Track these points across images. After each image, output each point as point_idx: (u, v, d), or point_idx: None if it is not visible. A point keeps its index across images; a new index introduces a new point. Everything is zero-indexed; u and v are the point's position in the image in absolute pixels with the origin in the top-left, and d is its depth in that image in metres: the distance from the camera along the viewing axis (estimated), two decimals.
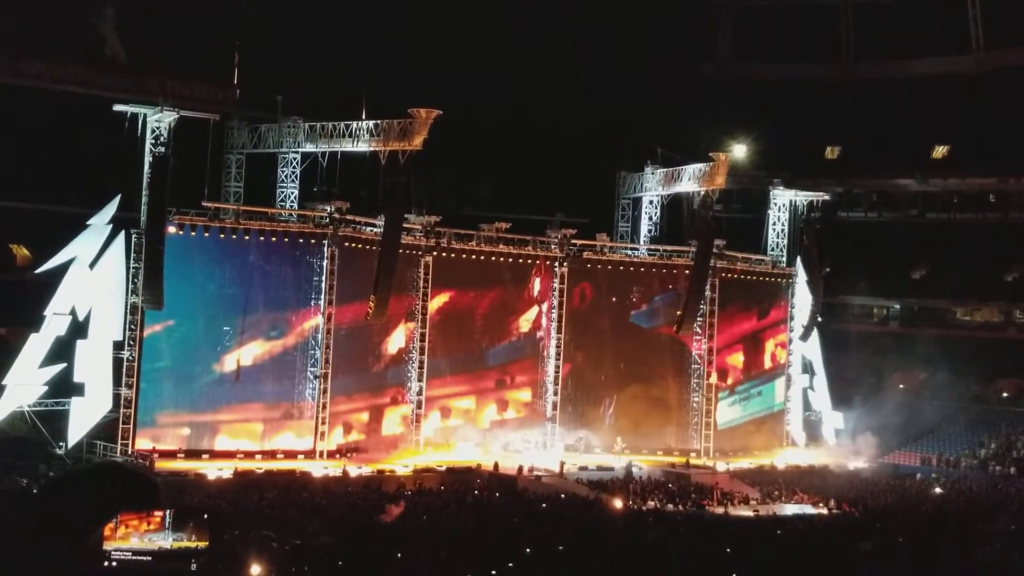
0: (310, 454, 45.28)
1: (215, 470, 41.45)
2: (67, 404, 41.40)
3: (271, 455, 44.61)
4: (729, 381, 56.51)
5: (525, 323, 53.20)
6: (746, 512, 40.97)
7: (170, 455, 42.90)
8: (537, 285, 53.04)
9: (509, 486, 43.44)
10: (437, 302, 50.33)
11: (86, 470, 4.07)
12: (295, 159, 48.70)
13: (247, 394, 45.17)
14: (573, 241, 53.36)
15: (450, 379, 51.09)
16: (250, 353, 45.26)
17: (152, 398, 43.01)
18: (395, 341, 49.13)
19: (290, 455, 45.01)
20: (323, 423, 45.47)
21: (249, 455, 44.14)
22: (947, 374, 56.18)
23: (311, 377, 45.61)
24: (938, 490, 47.37)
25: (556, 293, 52.81)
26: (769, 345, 57.97)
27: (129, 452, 41.21)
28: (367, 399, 48.45)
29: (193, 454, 43.47)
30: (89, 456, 41.17)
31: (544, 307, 53.18)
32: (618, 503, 40.59)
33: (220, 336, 44.68)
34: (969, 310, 65.77)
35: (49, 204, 49.37)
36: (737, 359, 57.06)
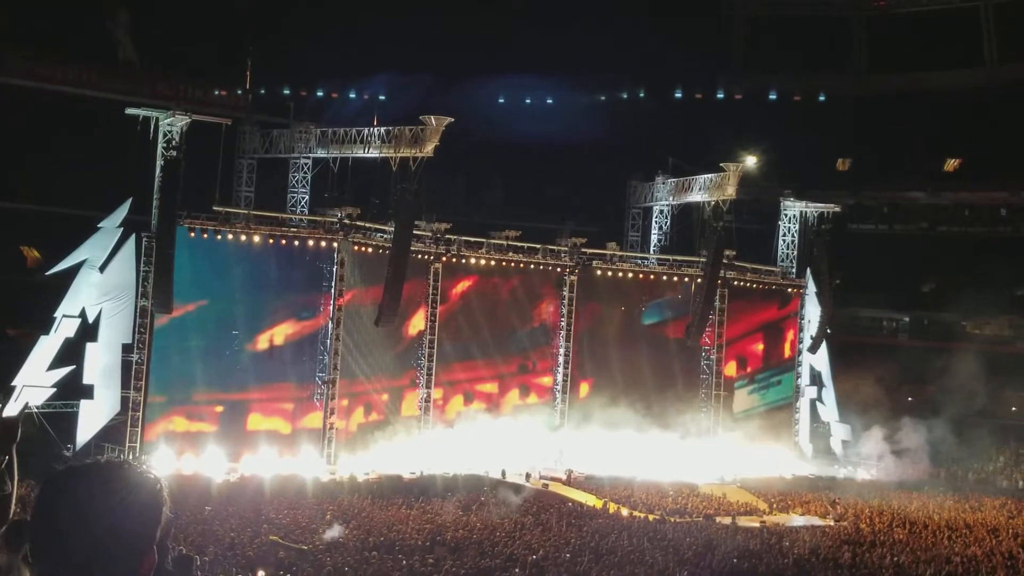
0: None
1: (222, 473, 41.50)
2: (76, 406, 41.38)
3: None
4: (748, 369, 56.61)
5: (546, 312, 53.33)
6: (752, 523, 40.84)
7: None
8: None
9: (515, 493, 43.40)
10: (460, 287, 50.58)
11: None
12: (306, 164, 48.70)
13: (278, 374, 45.23)
14: (583, 250, 53.30)
15: (473, 363, 51.02)
16: (282, 333, 45.38)
17: (186, 376, 43.02)
18: (415, 324, 49.18)
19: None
20: (330, 428, 45.33)
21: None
22: (956, 388, 55.91)
23: (318, 382, 45.55)
24: (950, 503, 47.21)
25: (565, 302, 52.67)
26: (790, 335, 58.10)
27: (137, 454, 41.15)
28: (388, 381, 48.43)
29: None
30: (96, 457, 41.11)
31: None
32: (625, 512, 40.60)
33: (251, 317, 44.78)
34: (979, 324, 65.56)
35: (60, 207, 49.53)
36: (757, 347, 57.08)
